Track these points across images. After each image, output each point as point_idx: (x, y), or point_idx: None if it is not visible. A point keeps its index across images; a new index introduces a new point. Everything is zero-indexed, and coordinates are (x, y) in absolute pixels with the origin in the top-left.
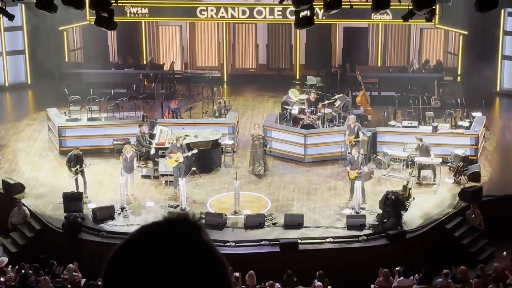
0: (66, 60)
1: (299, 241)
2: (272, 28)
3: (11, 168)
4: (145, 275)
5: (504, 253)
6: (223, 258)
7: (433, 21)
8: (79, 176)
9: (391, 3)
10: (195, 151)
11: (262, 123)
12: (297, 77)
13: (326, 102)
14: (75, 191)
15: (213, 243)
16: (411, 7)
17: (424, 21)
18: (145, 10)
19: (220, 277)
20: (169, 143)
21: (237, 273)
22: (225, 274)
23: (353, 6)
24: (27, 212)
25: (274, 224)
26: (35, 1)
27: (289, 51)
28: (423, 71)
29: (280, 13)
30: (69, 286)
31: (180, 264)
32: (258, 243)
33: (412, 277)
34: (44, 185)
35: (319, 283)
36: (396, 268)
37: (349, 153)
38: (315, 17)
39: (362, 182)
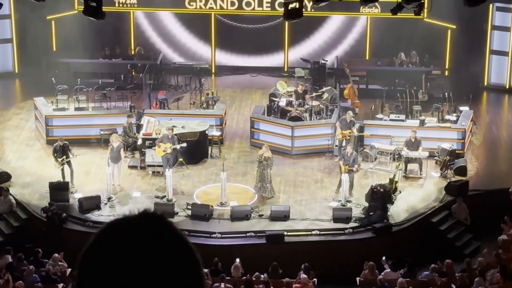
0: (54, 50)
1: (285, 233)
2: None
3: None
4: (119, 268)
5: (485, 250)
6: (195, 251)
7: (421, 14)
8: (66, 166)
9: None
10: (184, 144)
11: (249, 115)
12: (285, 69)
13: (314, 94)
14: (61, 180)
15: (185, 235)
16: (400, 0)
17: (413, 14)
18: (134, 0)
19: (192, 269)
20: (156, 134)
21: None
22: (197, 267)
23: None
24: (13, 201)
25: (261, 216)
26: None
27: None
28: (410, 64)
29: (269, 5)
30: (54, 276)
31: (153, 257)
32: (244, 235)
33: (399, 270)
34: (31, 174)
35: (304, 275)
36: (383, 258)
37: (336, 145)
38: (303, 9)
39: (352, 177)
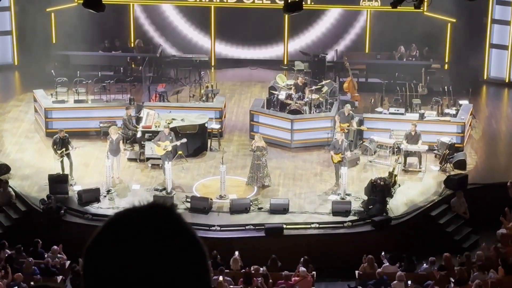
0: (54, 42)
1: (284, 226)
2: None
3: None
4: (126, 259)
5: (484, 244)
6: (202, 244)
7: (421, 8)
8: (65, 158)
9: None
10: (184, 140)
11: (249, 108)
12: (285, 62)
13: (314, 87)
14: (61, 173)
15: (192, 228)
16: None
17: (413, 8)
18: None
19: (199, 262)
20: (156, 127)
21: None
22: (204, 260)
23: None
24: (12, 193)
25: (260, 209)
26: None
27: None
28: (409, 58)
29: None
30: (53, 268)
31: (160, 249)
32: (243, 228)
33: (397, 264)
34: (30, 167)
35: (303, 269)
36: (382, 254)
37: (335, 138)
38: (303, 2)
39: (344, 168)
